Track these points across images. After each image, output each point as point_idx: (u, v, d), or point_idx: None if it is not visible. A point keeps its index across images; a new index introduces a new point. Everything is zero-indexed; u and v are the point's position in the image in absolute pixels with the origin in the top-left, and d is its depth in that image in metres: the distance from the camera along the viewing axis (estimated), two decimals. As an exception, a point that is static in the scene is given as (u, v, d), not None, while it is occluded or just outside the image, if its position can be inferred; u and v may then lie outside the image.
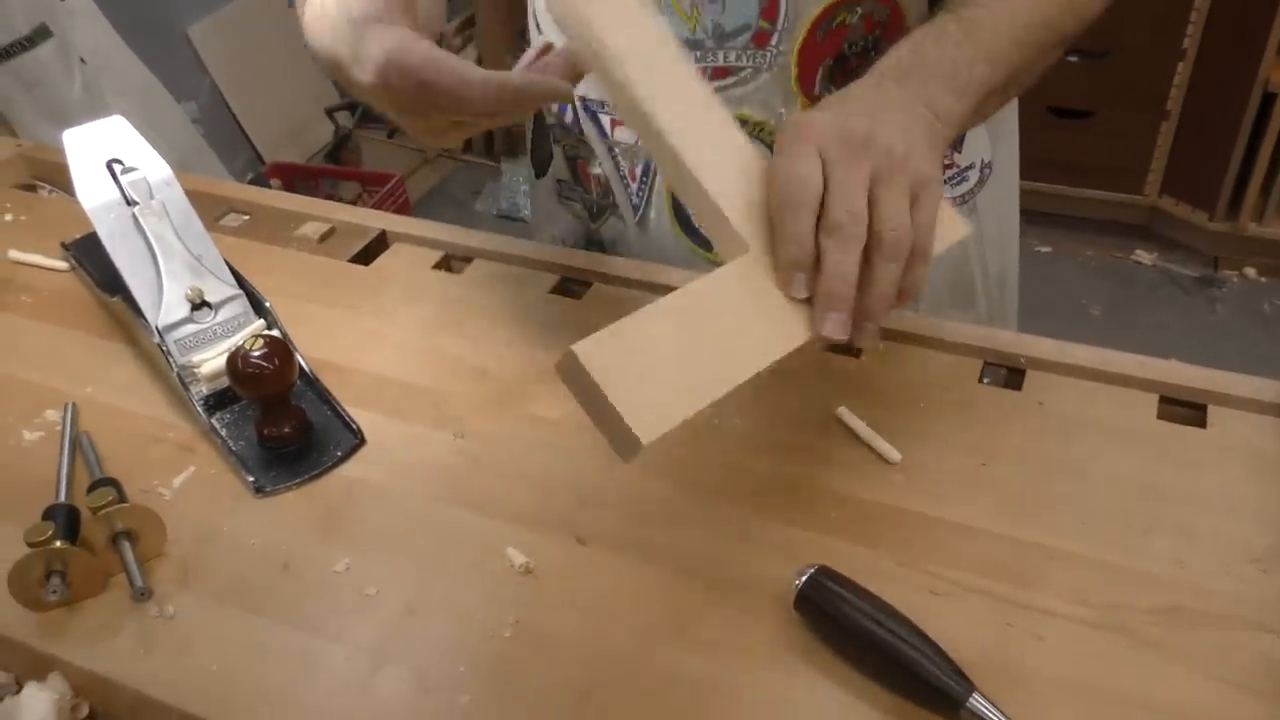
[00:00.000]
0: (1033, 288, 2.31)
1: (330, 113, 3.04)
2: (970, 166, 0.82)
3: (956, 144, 0.80)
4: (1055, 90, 2.35)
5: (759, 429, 0.64)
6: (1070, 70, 2.32)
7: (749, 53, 0.71)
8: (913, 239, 0.51)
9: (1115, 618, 0.52)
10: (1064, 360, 0.66)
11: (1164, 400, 0.64)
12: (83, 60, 1.94)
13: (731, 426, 0.64)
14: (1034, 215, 2.60)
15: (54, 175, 0.99)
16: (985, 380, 0.67)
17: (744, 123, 0.73)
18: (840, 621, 0.50)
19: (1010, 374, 0.67)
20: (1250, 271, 2.34)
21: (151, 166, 0.72)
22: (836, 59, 0.72)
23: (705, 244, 0.79)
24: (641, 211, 0.80)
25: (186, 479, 0.64)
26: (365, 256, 0.83)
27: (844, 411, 0.64)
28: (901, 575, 0.54)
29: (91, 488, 0.59)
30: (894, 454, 0.61)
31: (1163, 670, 0.50)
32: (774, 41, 0.71)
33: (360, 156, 2.99)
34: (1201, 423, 0.63)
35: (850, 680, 0.50)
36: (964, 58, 0.57)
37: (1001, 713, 0.47)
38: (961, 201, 0.82)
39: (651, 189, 0.80)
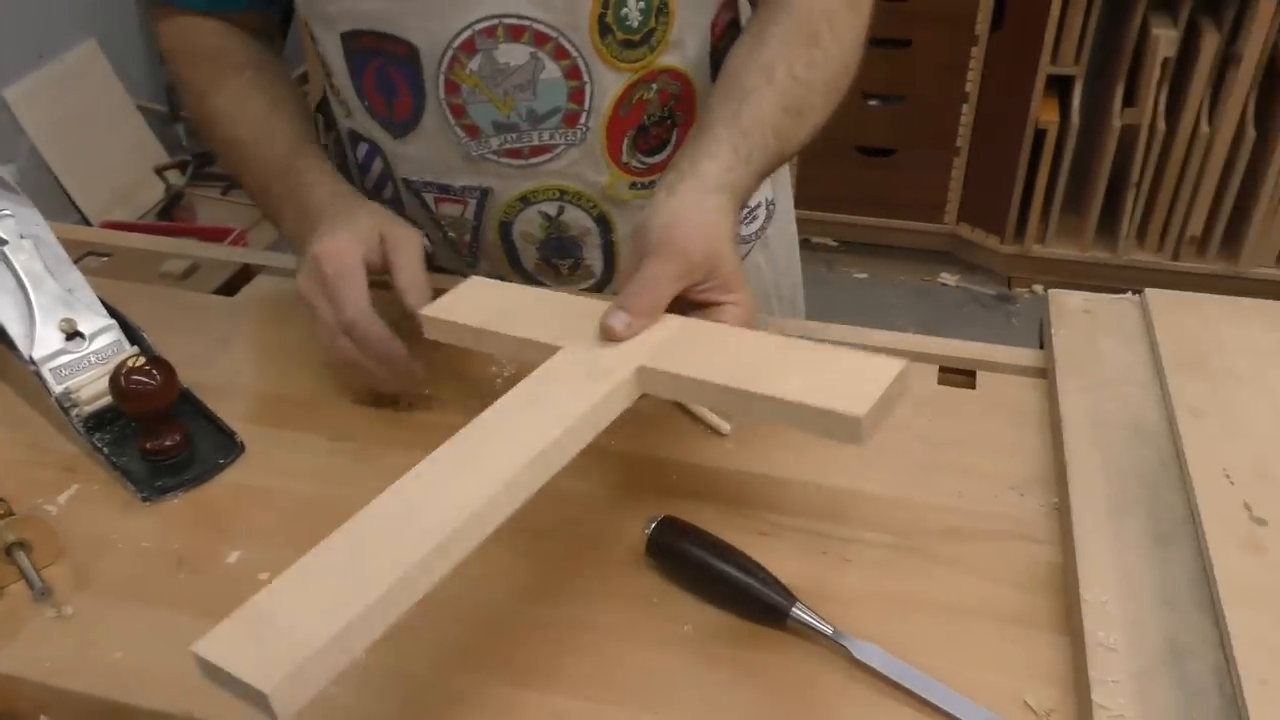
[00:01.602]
0: (853, 310, 2.52)
1: (160, 171, 2.99)
2: (757, 205, 0.94)
3: None
4: (861, 131, 2.58)
5: (608, 414, 0.73)
6: (872, 113, 2.55)
7: (561, 131, 0.78)
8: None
9: (909, 541, 0.63)
10: (861, 342, 0.78)
11: (943, 369, 0.76)
12: (-106, 122, 1.88)
13: (583, 414, 0.73)
14: (852, 245, 2.82)
15: (-109, 230, 0.99)
16: (798, 363, 0.78)
17: (563, 193, 0.82)
18: (685, 559, 0.59)
19: (818, 356, 0.79)
20: (1038, 288, 2.60)
21: (18, 208, 0.75)
22: (639, 129, 0.80)
23: (537, 283, 0.88)
24: (474, 263, 0.88)
25: (71, 496, 0.67)
26: (230, 288, 0.87)
27: (680, 394, 0.73)
28: (733, 522, 0.64)
29: (-21, 506, 0.62)
30: (725, 426, 0.71)
31: (949, 577, 0.60)
32: (583, 120, 0.78)
33: (194, 214, 2.95)
34: (972, 385, 0.75)
35: (698, 609, 0.59)
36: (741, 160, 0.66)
37: (819, 616, 0.56)
38: (755, 237, 0.95)
39: (481, 246, 0.87)
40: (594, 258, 0.87)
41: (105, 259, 0.92)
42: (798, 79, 0.70)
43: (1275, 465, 0.61)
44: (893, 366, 0.55)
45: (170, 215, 2.92)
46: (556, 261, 0.87)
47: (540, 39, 0.74)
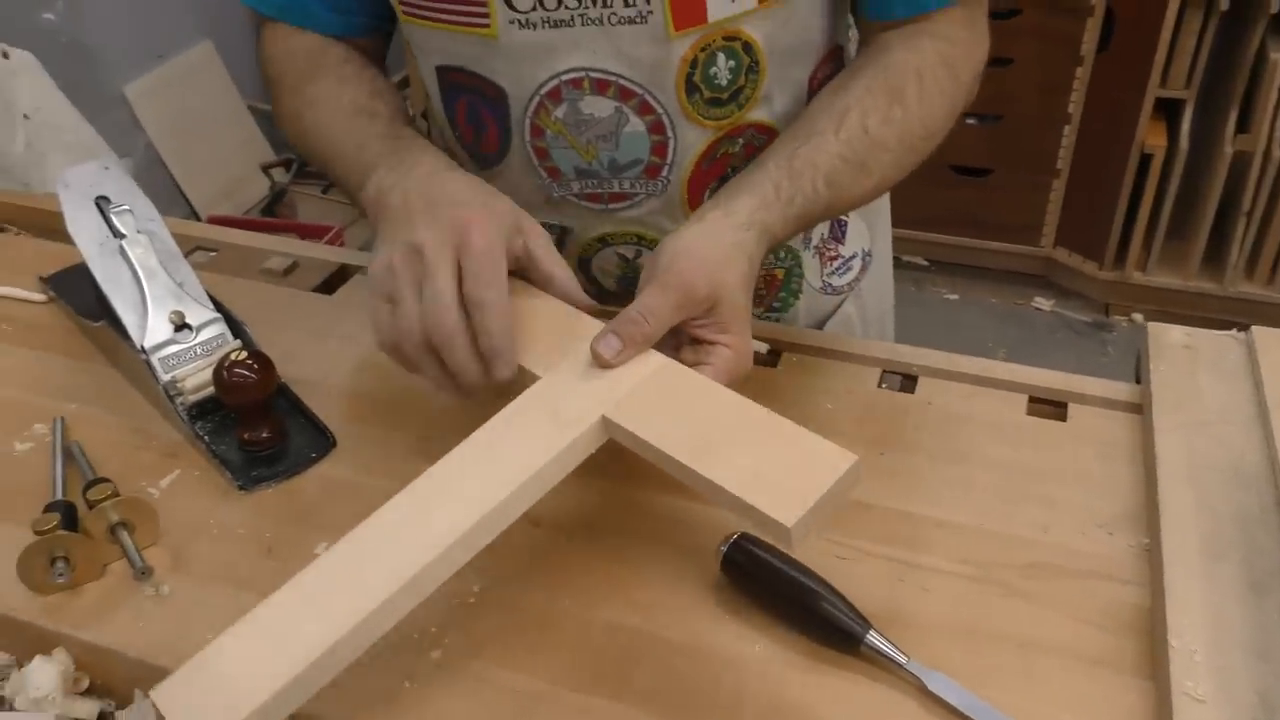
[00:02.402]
0: (941, 332, 2.48)
1: (266, 169, 3.10)
2: (854, 256, 0.92)
3: (839, 236, 0.90)
4: (956, 150, 2.53)
5: (688, 428, 0.73)
6: (969, 132, 2.51)
7: (641, 181, 0.78)
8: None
9: (989, 573, 0.62)
10: (950, 368, 0.77)
11: (1032, 400, 0.75)
12: (26, 116, 1.99)
13: (664, 427, 0.73)
14: (942, 265, 2.77)
15: (16, 217, 1.05)
16: (883, 385, 0.77)
17: (640, 239, 0.82)
18: (759, 577, 0.59)
19: (905, 380, 0.78)
20: (1138, 316, 2.52)
21: (136, 203, 0.79)
22: (721, 180, 0.78)
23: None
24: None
25: (173, 480, 0.70)
26: (328, 287, 0.90)
27: (762, 412, 0.73)
28: (812, 544, 0.63)
29: (88, 485, 0.66)
30: (805, 446, 0.70)
31: (1028, 613, 0.59)
32: (664, 173, 0.77)
33: (295, 211, 3.05)
34: (1062, 417, 0.73)
35: (770, 629, 0.59)
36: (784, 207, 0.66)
37: (893, 645, 0.56)
38: (849, 289, 0.93)
39: None
40: None
41: (212, 254, 0.96)
42: (868, 132, 0.69)
43: (1384, 518, 0.58)
44: (842, 462, 0.53)
45: (273, 211, 3.02)
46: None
47: (625, 94, 0.74)
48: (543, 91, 0.74)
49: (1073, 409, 0.74)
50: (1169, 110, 2.35)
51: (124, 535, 0.63)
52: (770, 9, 0.72)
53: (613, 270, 0.86)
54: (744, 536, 0.61)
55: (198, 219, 2.82)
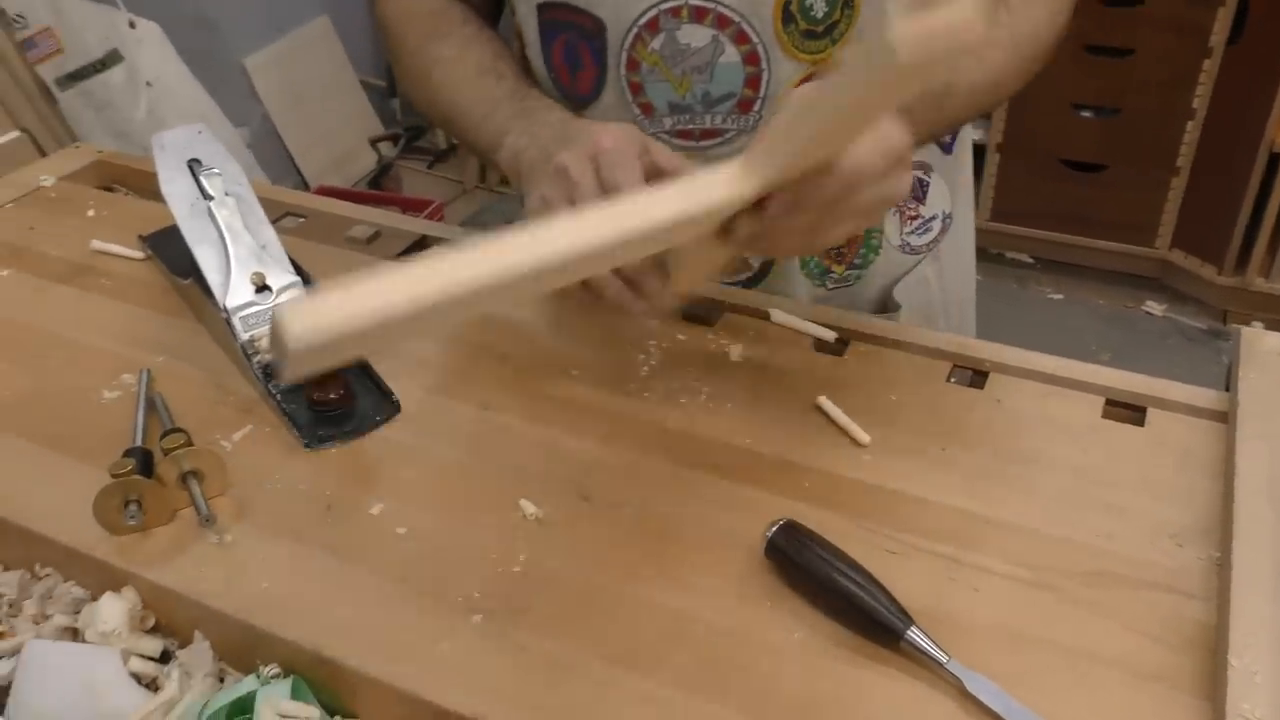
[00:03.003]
0: (1043, 333, 2.40)
1: (374, 143, 3.18)
2: (934, 217, 0.91)
3: (920, 197, 0.89)
4: (1067, 144, 2.44)
5: (747, 413, 0.72)
6: (1083, 125, 2.41)
7: (734, 116, 0.79)
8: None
9: (1045, 578, 0.60)
10: (1022, 365, 0.74)
11: (1109, 403, 0.72)
12: (148, 84, 2.09)
13: (723, 410, 0.73)
14: (1048, 264, 2.68)
15: (127, 179, 1.11)
16: (952, 380, 0.75)
17: None
18: (803, 565, 0.58)
19: (975, 375, 0.76)
20: (1259, 325, 2.39)
21: (226, 167, 0.82)
22: None
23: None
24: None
25: (245, 434, 0.73)
26: (407, 257, 0.92)
27: (823, 400, 0.72)
28: (861, 536, 0.62)
29: (164, 434, 0.69)
30: (864, 437, 0.69)
31: (1083, 621, 0.57)
32: (756, 107, 0.78)
33: (400, 185, 3.12)
34: (1140, 423, 0.70)
35: (811, 618, 0.58)
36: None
37: (935, 643, 0.54)
38: (927, 249, 0.92)
39: None
40: None
41: (301, 220, 0.99)
42: None
43: None
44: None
45: (379, 185, 3.10)
46: None
47: (723, 22, 0.75)
48: (641, 22, 0.76)
49: (1152, 414, 0.71)
50: (1304, 108, 2.22)
51: (193, 484, 0.66)
52: None
53: None
54: (790, 523, 0.60)
55: (307, 188, 2.92)
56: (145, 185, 1.08)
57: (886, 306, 0.91)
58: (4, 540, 0.68)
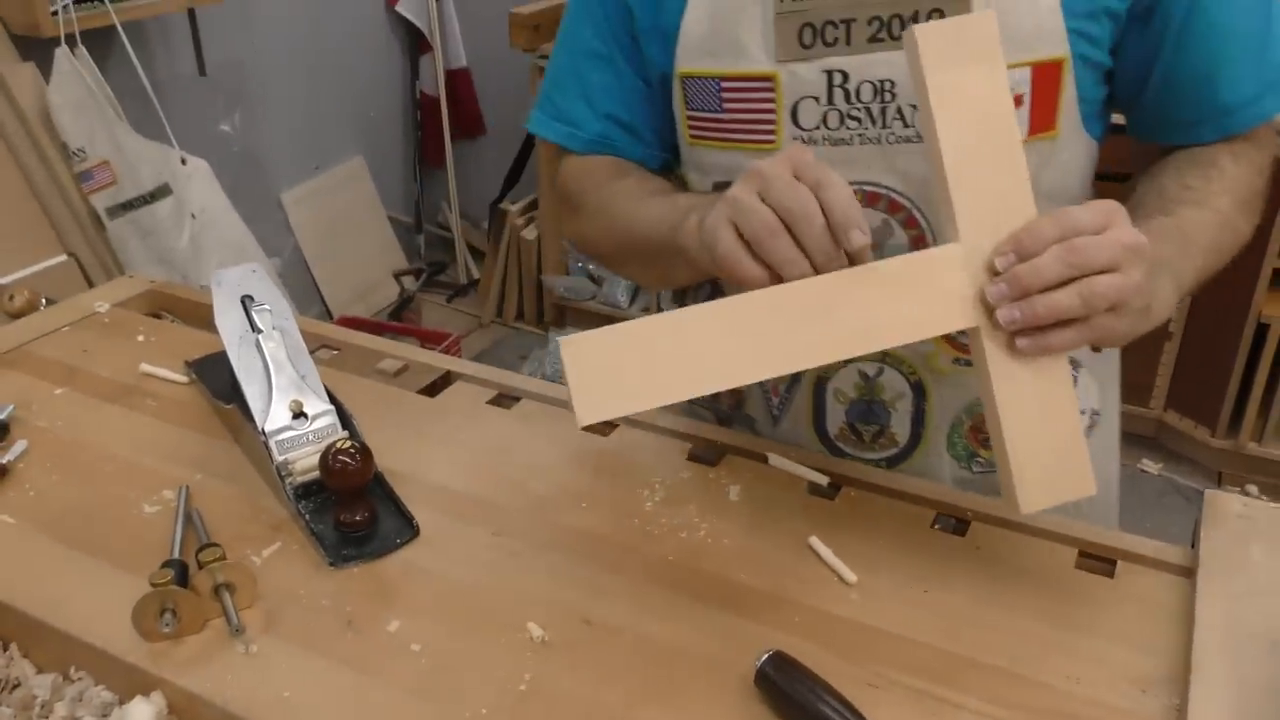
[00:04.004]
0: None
1: (398, 276, 3.31)
2: (1082, 413, 0.91)
3: None
4: (1065, 305, 2.54)
5: (743, 549, 0.77)
6: (1079, 288, 2.52)
7: None
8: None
9: (1015, 716, 0.63)
10: (1001, 515, 0.80)
11: (1082, 554, 0.77)
12: (193, 216, 2.21)
13: (721, 545, 0.78)
14: (1046, 419, 2.74)
15: (174, 306, 1.19)
16: (936, 526, 0.80)
17: (885, 355, 0.85)
18: (790, 695, 0.62)
19: (957, 523, 0.81)
20: (1252, 489, 2.43)
21: (275, 303, 0.90)
22: None
23: (835, 452, 0.91)
24: (780, 418, 0.93)
25: (274, 551, 0.78)
26: (432, 390, 0.99)
27: (814, 540, 0.77)
28: (846, 670, 0.66)
29: (201, 548, 0.74)
30: (851, 576, 0.74)
31: (1052, 761, 0.61)
32: None
33: (420, 317, 3.24)
34: (1111, 574, 0.75)
35: (795, 746, 0.62)
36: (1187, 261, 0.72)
37: (910, 773, 0.58)
38: None
39: (792, 400, 0.91)
40: (901, 426, 0.89)
41: (335, 352, 1.07)
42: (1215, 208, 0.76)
43: None
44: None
45: (400, 316, 3.22)
46: (861, 427, 0.90)
47: (894, 207, 0.81)
48: None
49: (1122, 566, 0.75)
50: (1289, 280, 2.32)
51: (225, 596, 0.71)
52: (1036, 142, 0.78)
53: (848, 393, 0.89)
54: (779, 654, 0.64)
55: (330, 317, 3.03)
56: (192, 314, 1.16)
57: None
58: (42, 643, 0.72)
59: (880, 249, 0.81)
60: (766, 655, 0.64)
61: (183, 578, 0.72)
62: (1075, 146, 0.82)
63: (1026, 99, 0.76)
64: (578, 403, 0.60)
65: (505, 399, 0.98)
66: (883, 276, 0.64)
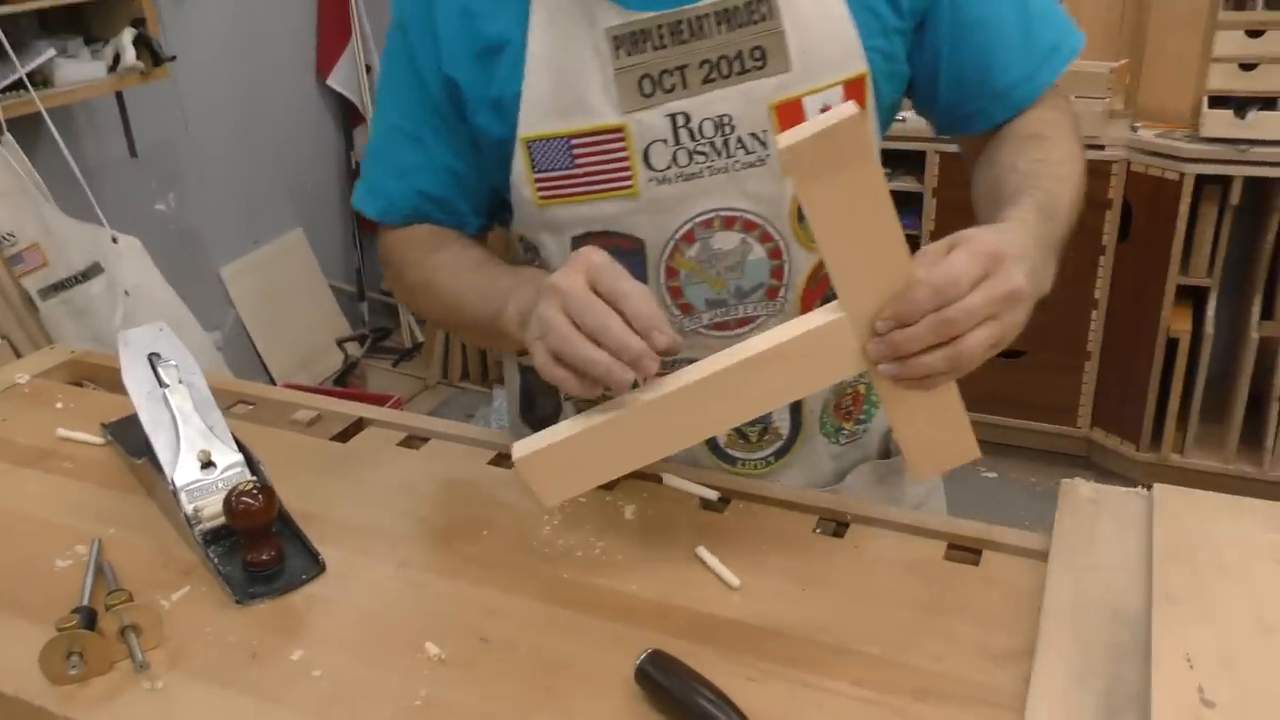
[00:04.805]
0: (977, 509, 2.48)
1: (341, 343, 3.33)
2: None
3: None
4: (988, 333, 2.62)
5: (633, 562, 0.81)
6: (1000, 316, 2.61)
7: (763, 303, 0.90)
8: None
9: (883, 698, 0.68)
10: (878, 516, 0.85)
11: (951, 546, 0.82)
12: (126, 293, 2.24)
13: (614, 561, 0.82)
14: (982, 444, 2.81)
15: (96, 375, 1.22)
16: (818, 530, 0.85)
17: None
18: (667, 688, 0.66)
19: (838, 526, 0.86)
20: (1180, 499, 2.51)
21: (182, 359, 0.93)
22: (824, 298, 0.91)
23: (727, 459, 0.96)
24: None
25: (183, 594, 0.81)
26: (344, 437, 1.03)
27: (701, 550, 0.81)
28: (725, 666, 0.70)
29: (108, 593, 0.77)
30: (735, 580, 0.78)
31: (914, 734, 0.65)
32: (781, 293, 0.90)
33: (365, 382, 3.26)
34: (976, 562, 0.80)
35: (675, 738, 0.65)
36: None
37: (776, 751, 0.62)
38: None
39: None
40: (782, 419, 0.96)
41: (251, 406, 1.10)
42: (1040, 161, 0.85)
43: (1239, 654, 0.63)
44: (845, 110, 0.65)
45: (345, 382, 3.24)
46: (747, 429, 0.95)
47: (749, 226, 0.88)
48: (678, 236, 0.88)
49: (986, 555, 0.80)
50: (1196, 296, 2.42)
51: (130, 636, 0.73)
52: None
53: None
54: (657, 652, 0.68)
55: (274, 385, 3.04)
56: (112, 380, 1.19)
57: (889, 452, 1.03)
58: (-47, 696, 0.74)
59: (742, 265, 0.88)
60: (645, 654, 0.68)
61: (90, 622, 0.74)
62: (875, 145, 0.90)
63: None
64: (541, 497, 0.77)
65: (415, 440, 1.02)
66: (785, 355, 0.72)
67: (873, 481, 1.00)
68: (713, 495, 0.89)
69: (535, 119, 0.86)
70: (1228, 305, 2.44)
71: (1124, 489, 0.83)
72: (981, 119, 0.93)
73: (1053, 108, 0.92)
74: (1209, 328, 2.35)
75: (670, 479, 0.91)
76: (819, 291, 0.91)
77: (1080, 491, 0.82)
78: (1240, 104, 2.23)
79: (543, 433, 0.76)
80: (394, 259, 0.98)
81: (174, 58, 2.37)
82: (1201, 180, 2.25)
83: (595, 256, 0.74)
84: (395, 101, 0.94)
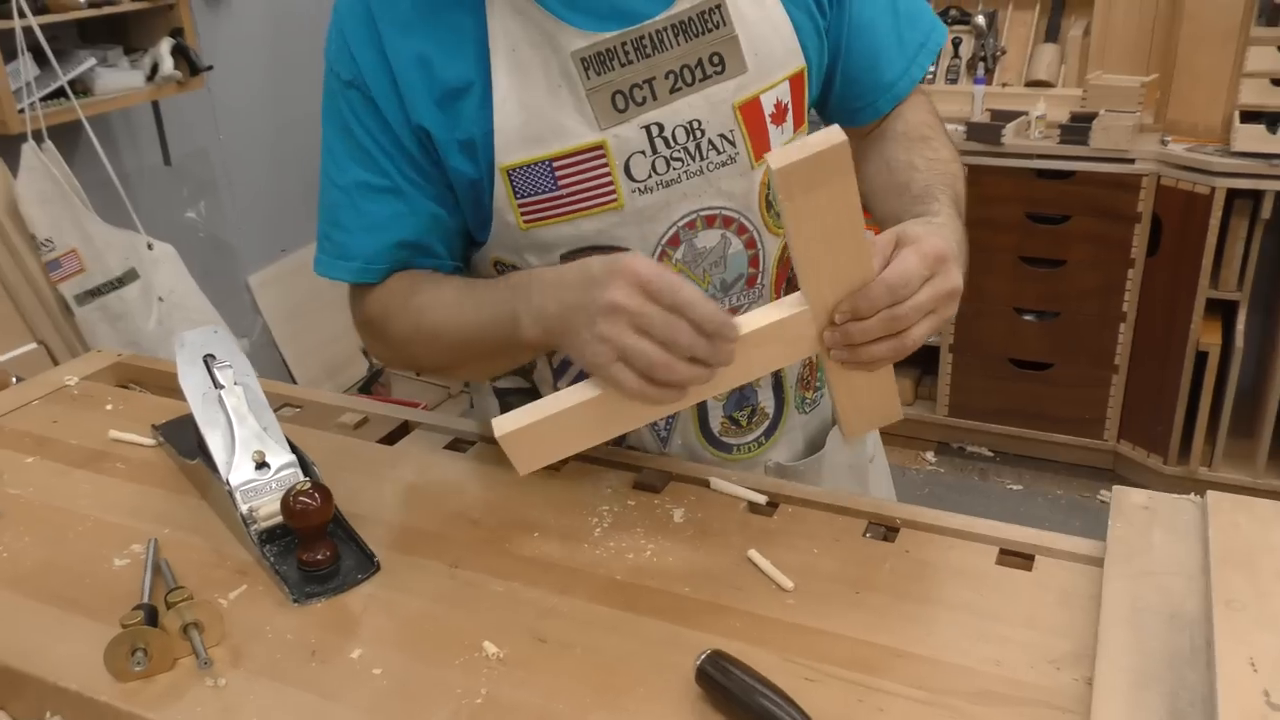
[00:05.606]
0: (1007, 522, 2.48)
1: (366, 351, 3.35)
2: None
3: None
4: (1014, 344, 2.62)
5: (684, 564, 0.82)
6: (1027, 327, 2.60)
7: (744, 292, 0.96)
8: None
9: (941, 699, 0.68)
10: (928, 521, 0.85)
11: (1003, 551, 0.82)
12: (160, 299, 2.26)
13: (666, 563, 0.82)
14: (1006, 457, 2.80)
15: (141, 378, 1.23)
16: (867, 535, 0.85)
17: None
18: (728, 688, 0.67)
19: (888, 531, 0.86)
20: (1208, 513, 2.50)
21: (236, 361, 0.94)
22: (788, 280, 0.98)
23: (723, 447, 1.01)
24: (668, 439, 1.00)
25: (240, 593, 0.82)
26: (391, 439, 1.04)
27: (753, 553, 0.82)
28: (783, 666, 0.71)
29: (169, 591, 0.78)
30: (788, 583, 0.79)
31: (974, 736, 0.65)
32: (759, 280, 0.96)
33: (390, 390, 3.27)
34: (1029, 568, 0.80)
35: (735, 738, 0.66)
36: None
37: (839, 751, 0.62)
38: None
39: (677, 419, 0.99)
40: (767, 397, 1.01)
41: (298, 409, 1.11)
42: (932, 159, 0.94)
43: (1302, 658, 0.63)
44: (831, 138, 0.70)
45: (369, 390, 3.25)
46: (738, 415, 1.00)
47: (727, 221, 0.92)
48: (664, 240, 0.91)
49: (1039, 560, 0.81)
50: (1225, 310, 2.42)
51: (193, 633, 0.74)
52: (796, 136, 0.94)
53: (723, 393, 0.97)
54: (717, 652, 0.69)
55: (301, 395, 3.06)
56: (158, 383, 1.21)
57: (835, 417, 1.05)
58: (20, 693, 0.75)
59: (724, 260, 0.94)
60: (705, 654, 0.69)
61: (152, 619, 0.75)
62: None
63: (789, 106, 0.93)
64: (518, 467, 0.82)
65: (461, 444, 1.03)
66: (754, 341, 0.78)
67: (840, 445, 1.07)
68: (761, 499, 0.90)
69: (513, 148, 0.87)
70: (1258, 319, 2.43)
71: (1177, 496, 0.83)
72: (869, 112, 1.02)
73: (927, 110, 1.02)
74: (1239, 341, 2.34)
75: (718, 483, 0.92)
76: (783, 272, 0.98)
77: (1133, 498, 0.83)
78: (1272, 119, 2.22)
79: (524, 409, 0.79)
80: (374, 316, 0.96)
81: (211, 67, 2.40)
82: (1232, 194, 2.25)
83: (640, 267, 0.74)
84: (358, 159, 0.92)
